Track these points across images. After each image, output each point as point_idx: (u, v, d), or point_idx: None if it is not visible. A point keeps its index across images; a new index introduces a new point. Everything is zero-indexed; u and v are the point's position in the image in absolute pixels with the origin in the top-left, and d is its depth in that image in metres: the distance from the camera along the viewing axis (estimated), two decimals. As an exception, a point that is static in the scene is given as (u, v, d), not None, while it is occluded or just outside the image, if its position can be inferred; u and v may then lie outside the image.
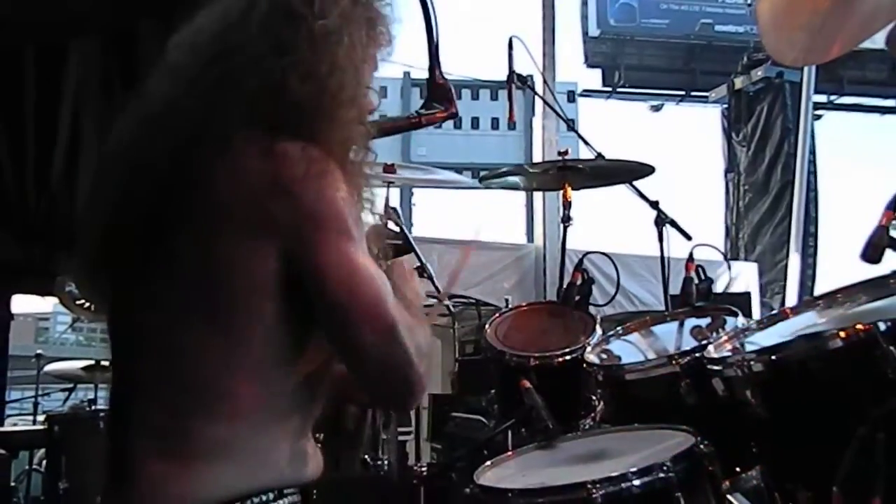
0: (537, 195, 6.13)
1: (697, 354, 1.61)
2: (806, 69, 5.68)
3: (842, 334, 1.20)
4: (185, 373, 1.07)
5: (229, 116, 1.09)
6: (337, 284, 1.07)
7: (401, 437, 3.45)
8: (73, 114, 4.12)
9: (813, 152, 8.94)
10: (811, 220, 8.85)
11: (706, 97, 12.56)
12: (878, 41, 1.64)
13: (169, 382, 1.08)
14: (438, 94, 1.35)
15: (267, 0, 1.13)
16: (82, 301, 4.15)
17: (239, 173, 1.07)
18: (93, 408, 4.37)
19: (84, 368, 4.23)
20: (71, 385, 4.63)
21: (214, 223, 1.06)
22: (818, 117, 12.33)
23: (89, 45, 4.03)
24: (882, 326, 1.17)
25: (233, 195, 1.06)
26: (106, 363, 4.15)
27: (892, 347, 1.16)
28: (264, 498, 1.07)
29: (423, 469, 2.54)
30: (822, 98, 12.46)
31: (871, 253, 1.33)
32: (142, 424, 1.09)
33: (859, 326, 1.19)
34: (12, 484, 3.84)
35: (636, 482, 1.30)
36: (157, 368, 1.10)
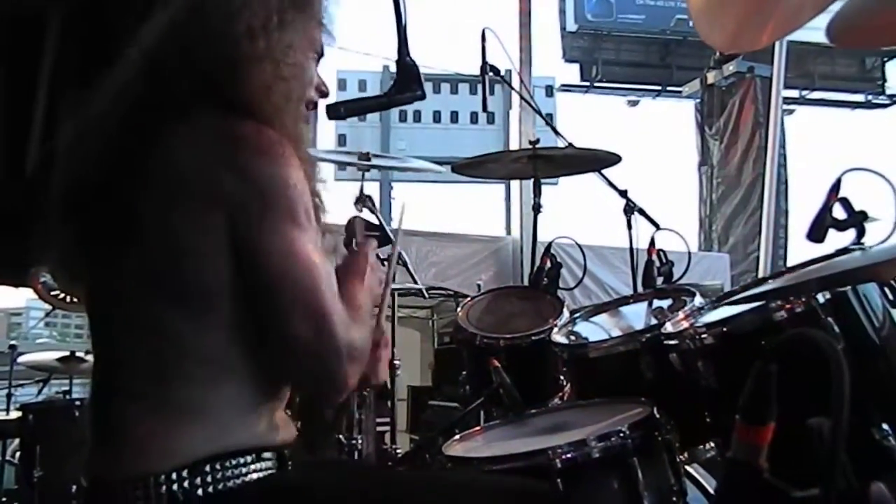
0: (514, 189, 6.21)
1: (656, 332, 1.68)
2: (776, 64, 5.74)
3: (786, 307, 1.27)
4: (158, 342, 1.11)
5: (187, 88, 1.13)
6: (273, 267, 1.07)
7: (379, 429, 3.50)
8: (48, 100, 4.10)
9: (783, 146, 9.11)
10: (781, 211, 9.03)
11: (681, 92, 12.70)
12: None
13: (145, 352, 1.12)
14: (406, 75, 1.39)
15: None
16: (57, 292, 4.14)
17: (197, 145, 1.09)
18: (68, 398, 4.37)
19: (60, 359, 4.21)
20: (45, 377, 4.60)
21: (171, 191, 1.09)
22: (790, 112, 12.53)
23: (64, 35, 4.02)
24: (821, 299, 1.24)
25: (189, 165, 1.09)
26: (81, 355, 4.15)
27: (830, 319, 1.24)
28: (242, 461, 1.10)
29: (398, 450, 2.61)
30: (794, 93, 12.66)
31: (816, 233, 1.41)
32: (126, 392, 1.13)
33: (797, 300, 1.25)
34: (-17, 474, 3.82)
35: (595, 448, 1.38)
36: (133, 339, 1.13)
